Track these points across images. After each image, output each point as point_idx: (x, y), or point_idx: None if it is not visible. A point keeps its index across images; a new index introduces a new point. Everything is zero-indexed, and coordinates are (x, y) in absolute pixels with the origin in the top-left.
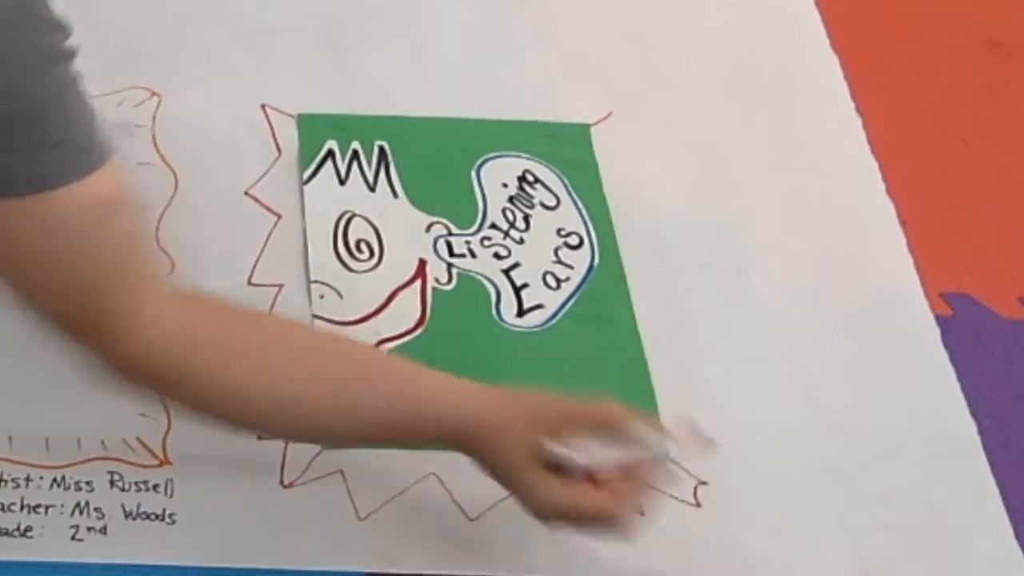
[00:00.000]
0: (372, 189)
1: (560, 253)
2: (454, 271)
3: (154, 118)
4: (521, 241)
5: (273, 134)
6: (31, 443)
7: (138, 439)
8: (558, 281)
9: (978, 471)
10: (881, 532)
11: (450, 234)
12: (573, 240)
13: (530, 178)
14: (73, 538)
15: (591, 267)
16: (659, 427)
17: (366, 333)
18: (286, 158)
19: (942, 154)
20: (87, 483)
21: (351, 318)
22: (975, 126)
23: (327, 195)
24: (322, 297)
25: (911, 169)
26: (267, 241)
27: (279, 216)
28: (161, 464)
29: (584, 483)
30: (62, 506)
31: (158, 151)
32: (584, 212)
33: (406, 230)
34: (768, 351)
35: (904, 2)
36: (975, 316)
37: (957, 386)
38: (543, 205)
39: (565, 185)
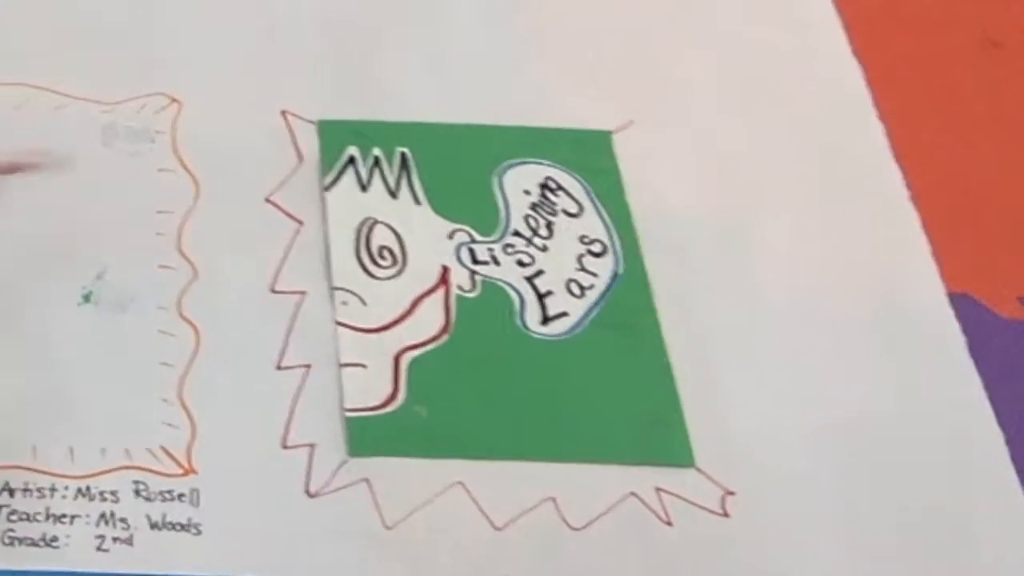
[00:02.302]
0: (394, 196)
1: (584, 261)
2: (477, 278)
3: (174, 125)
4: (544, 248)
5: (294, 140)
6: (55, 452)
7: (162, 448)
8: (582, 289)
9: (1004, 479)
10: (908, 541)
11: (473, 241)
12: (596, 248)
13: (552, 185)
14: (99, 548)
15: (615, 275)
16: None
17: (390, 340)
18: (307, 164)
19: (941, 154)
20: (112, 493)
21: (375, 325)
22: (974, 126)
23: (349, 202)
24: (345, 304)
25: (911, 169)
26: (289, 248)
27: (301, 223)
28: (186, 473)
29: None
30: (87, 516)
31: (178, 158)
32: (607, 219)
33: (429, 237)
34: (794, 360)
35: (903, 2)
36: (975, 316)
37: (984, 394)
38: (566, 212)
39: (588, 192)
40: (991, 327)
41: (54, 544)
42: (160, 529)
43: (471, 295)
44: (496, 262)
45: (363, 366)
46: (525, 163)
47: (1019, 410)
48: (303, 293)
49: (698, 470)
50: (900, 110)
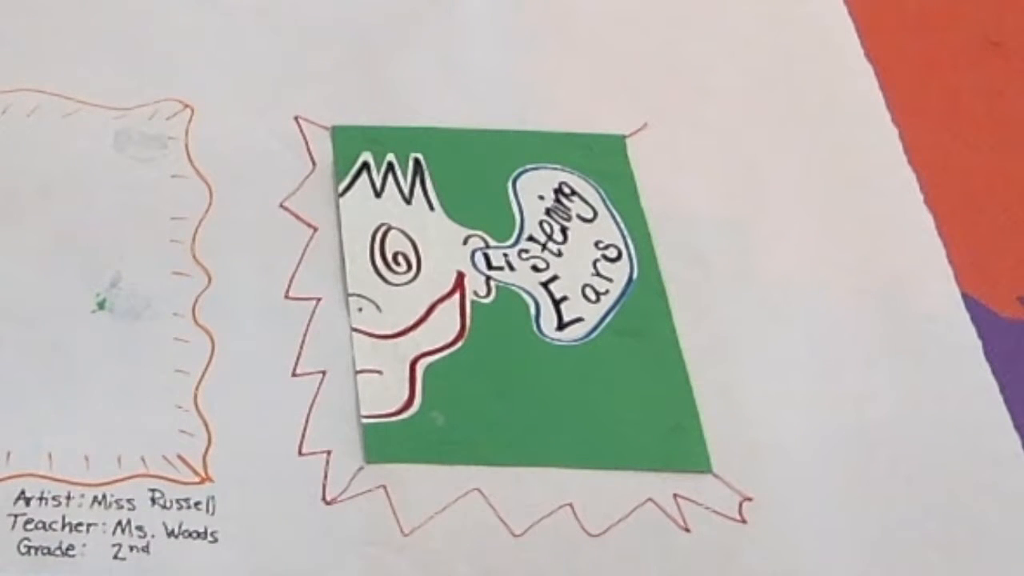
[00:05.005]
0: (408, 202)
1: (599, 266)
2: (493, 284)
3: (187, 130)
4: (559, 254)
5: (307, 146)
6: (71, 460)
7: (179, 456)
8: (597, 294)
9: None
10: (926, 546)
11: (487, 247)
12: (611, 253)
13: (567, 190)
14: (115, 557)
15: (630, 280)
16: None
17: (406, 346)
18: (321, 170)
19: (939, 154)
20: (128, 501)
21: (390, 331)
22: (974, 126)
23: (363, 208)
24: (360, 310)
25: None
26: (303, 254)
27: (315, 229)
28: (202, 481)
29: None
30: (103, 524)
31: (192, 164)
32: (622, 224)
33: (443, 243)
34: (810, 364)
35: (903, 3)
36: (975, 316)
37: (1000, 399)
38: (580, 217)
39: (602, 197)
40: (991, 327)
41: (70, 553)
42: (177, 537)
43: (486, 301)
44: (511, 268)
45: (379, 372)
46: (539, 168)
47: (1020, 409)
48: (318, 299)
49: (715, 476)
50: (899, 110)
